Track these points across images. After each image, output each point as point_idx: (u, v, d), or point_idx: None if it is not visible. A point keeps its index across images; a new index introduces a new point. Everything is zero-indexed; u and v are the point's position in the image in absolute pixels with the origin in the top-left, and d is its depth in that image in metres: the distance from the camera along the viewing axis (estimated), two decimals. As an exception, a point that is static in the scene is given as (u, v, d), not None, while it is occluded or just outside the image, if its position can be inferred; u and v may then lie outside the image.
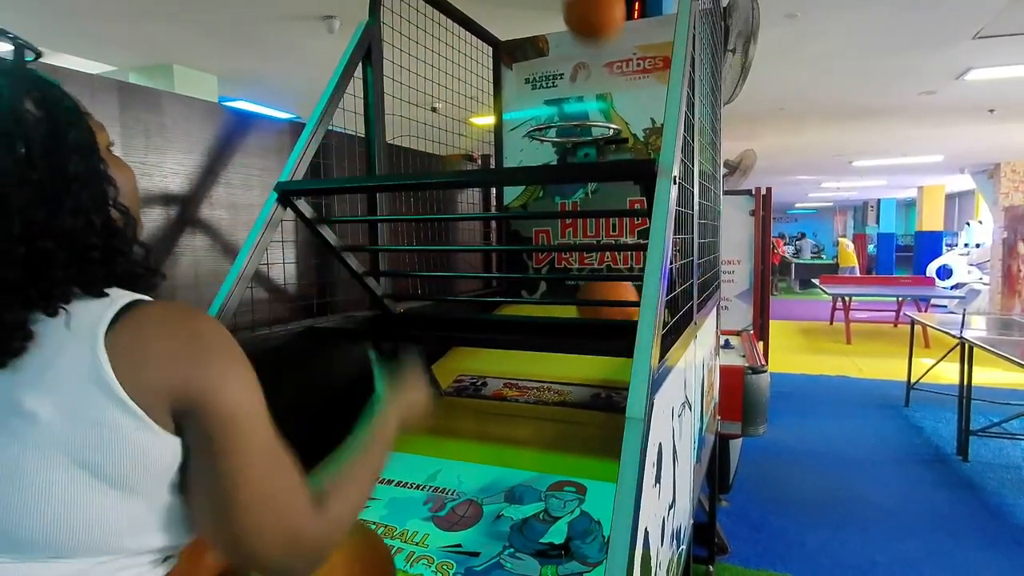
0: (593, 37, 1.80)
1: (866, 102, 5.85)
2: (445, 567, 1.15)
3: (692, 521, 1.49)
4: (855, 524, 2.94)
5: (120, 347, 0.57)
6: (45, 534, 0.55)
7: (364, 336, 1.82)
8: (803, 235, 20.17)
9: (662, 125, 1.22)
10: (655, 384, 0.90)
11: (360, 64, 1.73)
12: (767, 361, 2.90)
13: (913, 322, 5.18)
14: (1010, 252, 9.25)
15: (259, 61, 4.61)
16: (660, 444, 0.97)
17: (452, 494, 1.35)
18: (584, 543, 1.20)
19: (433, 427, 1.58)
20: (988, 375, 5.19)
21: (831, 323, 9.17)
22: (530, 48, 2.50)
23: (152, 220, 1.43)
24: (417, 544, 1.21)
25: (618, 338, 1.21)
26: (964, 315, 4.26)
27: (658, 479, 0.97)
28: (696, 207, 1.49)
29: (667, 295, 1.05)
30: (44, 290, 0.57)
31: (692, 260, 1.47)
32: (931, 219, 14.33)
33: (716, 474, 2.58)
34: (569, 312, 1.92)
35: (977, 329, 4.27)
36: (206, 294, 1.36)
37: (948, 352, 4.26)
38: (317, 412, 1.52)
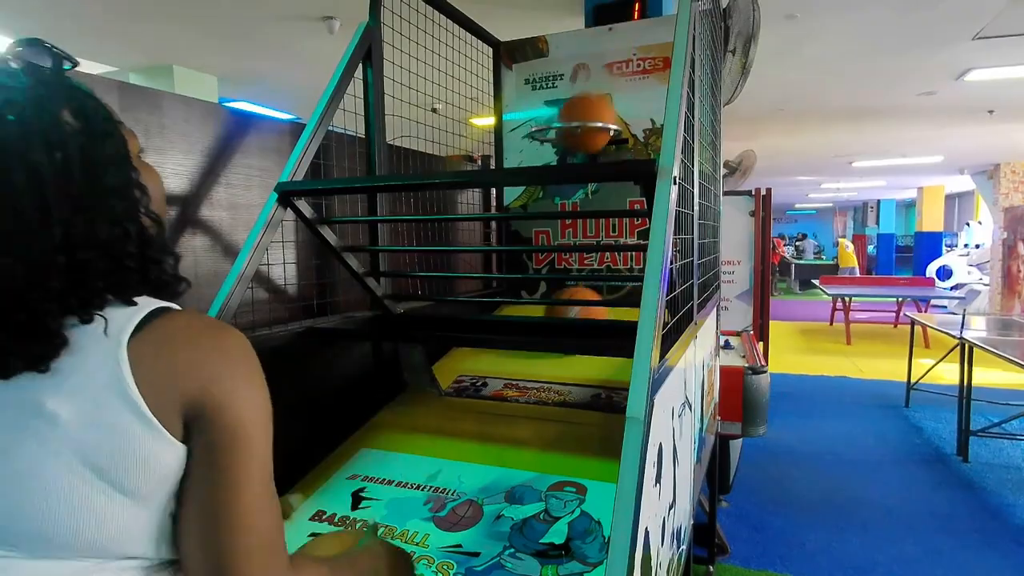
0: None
1: (866, 103, 5.85)
2: (445, 567, 1.15)
3: (692, 521, 1.49)
4: (855, 524, 2.94)
5: (142, 354, 0.57)
6: (51, 533, 0.55)
7: (364, 336, 1.82)
8: (804, 235, 20.17)
9: (662, 126, 1.22)
10: (655, 384, 0.90)
11: (360, 65, 1.74)
12: (767, 361, 2.90)
13: (913, 322, 5.18)
14: (1010, 253, 9.26)
15: (259, 62, 4.61)
16: (660, 444, 0.97)
17: (452, 494, 1.35)
18: (584, 543, 1.20)
19: (433, 427, 1.57)
20: (988, 375, 5.20)
21: (831, 324, 9.18)
22: (530, 49, 2.50)
23: (152, 220, 1.42)
24: (417, 544, 1.21)
25: (618, 338, 1.21)
26: (964, 315, 4.26)
27: (658, 479, 0.97)
28: (696, 207, 1.49)
29: (667, 295, 1.05)
30: (84, 298, 0.58)
31: (692, 260, 1.47)
32: (931, 220, 14.34)
33: (716, 474, 2.58)
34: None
35: (977, 330, 4.27)
36: (206, 294, 1.36)
37: (948, 352, 4.27)
38: (317, 412, 1.52)
